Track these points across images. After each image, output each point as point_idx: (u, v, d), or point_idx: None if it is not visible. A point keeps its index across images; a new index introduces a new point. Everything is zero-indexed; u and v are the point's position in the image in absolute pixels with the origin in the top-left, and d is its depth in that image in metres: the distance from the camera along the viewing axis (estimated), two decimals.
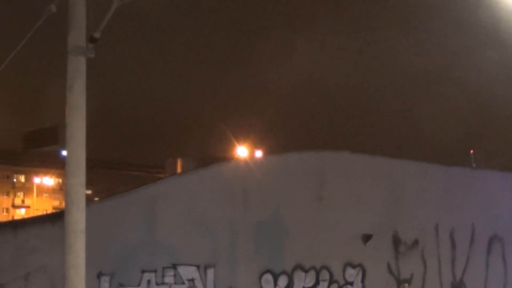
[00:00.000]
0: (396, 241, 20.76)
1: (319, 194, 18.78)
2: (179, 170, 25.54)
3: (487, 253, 24.01)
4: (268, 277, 17.16)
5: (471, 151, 33.84)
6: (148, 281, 14.85)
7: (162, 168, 29.49)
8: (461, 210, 23.21)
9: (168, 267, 15.21)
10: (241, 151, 45.70)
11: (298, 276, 17.84)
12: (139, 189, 15.35)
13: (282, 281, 17.45)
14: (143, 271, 14.80)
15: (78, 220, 8.19)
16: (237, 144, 45.86)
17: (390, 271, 20.41)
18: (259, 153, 40.07)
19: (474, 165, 27.38)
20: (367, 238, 19.61)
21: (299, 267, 17.89)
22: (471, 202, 23.68)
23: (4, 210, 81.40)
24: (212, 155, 17.89)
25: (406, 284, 16.50)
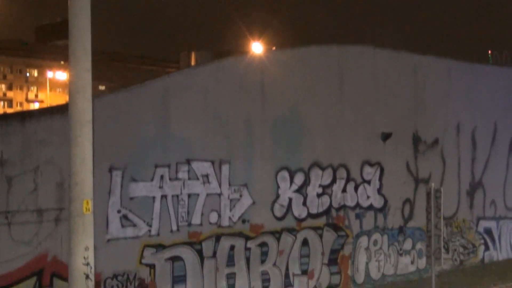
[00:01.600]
0: (416, 140, 20.25)
1: (339, 90, 18.10)
2: (193, 63, 24.81)
3: (508, 153, 23.56)
4: (284, 174, 16.77)
5: (489, 51, 32.72)
6: (161, 176, 14.48)
7: (176, 62, 28.74)
8: (484, 109, 22.58)
9: (182, 162, 14.79)
10: (256, 47, 44.54)
11: (315, 173, 17.44)
12: (152, 81, 14.70)
13: (299, 178, 17.08)
14: (156, 166, 14.39)
15: (84, 109, 7.60)
16: (252, 40, 44.66)
17: (409, 170, 20.02)
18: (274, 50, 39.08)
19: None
20: (386, 136, 19.09)
21: (316, 164, 17.47)
22: (494, 101, 23.01)
23: (18, 104, 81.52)
24: (227, 49, 17.07)
25: (433, 184, 16.08)
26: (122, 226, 13.80)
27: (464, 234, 21.84)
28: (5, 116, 13.64)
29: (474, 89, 22.25)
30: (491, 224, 22.91)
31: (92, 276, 7.95)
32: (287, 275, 16.73)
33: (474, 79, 22.36)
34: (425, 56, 20.80)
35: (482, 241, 22.54)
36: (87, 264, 7.73)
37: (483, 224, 22.61)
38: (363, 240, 18.63)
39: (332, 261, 17.81)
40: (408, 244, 19.90)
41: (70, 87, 7.67)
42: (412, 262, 20.06)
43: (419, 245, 20.16)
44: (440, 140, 20.99)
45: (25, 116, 13.37)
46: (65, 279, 12.34)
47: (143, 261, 14.13)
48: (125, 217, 13.84)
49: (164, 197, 14.53)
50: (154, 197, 14.39)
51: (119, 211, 13.74)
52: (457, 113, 21.56)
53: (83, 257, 7.67)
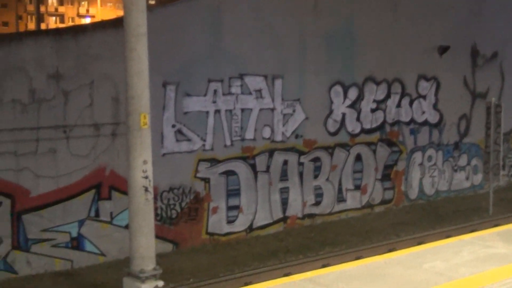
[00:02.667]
0: (474, 53, 19.63)
1: (394, 1, 17.51)
2: None
3: None
4: (338, 88, 16.53)
5: None
6: (215, 91, 14.43)
7: None
8: None
9: (235, 77, 14.68)
10: None
11: (369, 88, 17.15)
12: None
13: (352, 93, 16.82)
14: (210, 81, 14.33)
15: (139, 22, 7.48)
16: None
17: (466, 84, 19.52)
18: None
19: None
20: (443, 49, 18.53)
21: (370, 79, 17.15)
22: None
23: (70, 19, 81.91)
24: None
25: (494, 99, 15.64)
26: (177, 140, 13.92)
27: None
28: (59, 30, 13.64)
29: None
30: None
31: (151, 189, 8.04)
32: (340, 190, 16.78)
33: None
34: None
35: None
36: (146, 177, 7.81)
37: None
38: (417, 156, 18.45)
39: (386, 177, 17.74)
40: (463, 160, 19.65)
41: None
42: (467, 178, 19.85)
43: (474, 161, 19.90)
44: (500, 54, 20.31)
45: (78, 30, 13.33)
46: (122, 192, 12.68)
47: (198, 175, 14.32)
48: (179, 131, 13.94)
49: (217, 111, 14.53)
50: (207, 112, 14.40)
51: (173, 126, 13.83)
52: None
53: (142, 170, 7.74)
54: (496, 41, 20.14)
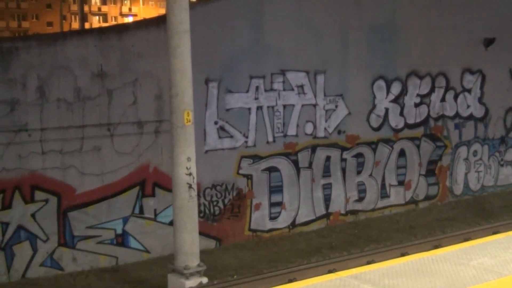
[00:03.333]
0: None
1: None
2: None
3: None
4: (381, 83, 16.36)
5: None
6: (257, 87, 14.42)
7: None
8: None
9: (276, 73, 14.64)
10: None
11: (413, 82, 16.93)
12: None
13: (396, 87, 16.63)
14: (251, 77, 14.32)
15: (182, 19, 7.51)
16: None
17: None
18: None
19: None
20: (489, 42, 18.16)
21: (413, 73, 16.93)
22: None
23: (112, 18, 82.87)
24: None
25: None
26: (219, 137, 13.96)
27: None
28: (102, 29, 13.76)
29: None
30: None
31: (194, 186, 8.07)
32: (383, 186, 16.62)
33: None
34: None
35: None
36: (190, 174, 7.84)
37: None
38: (463, 151, 18.15)
39: (430, 172, 17.50)
40: (509, 155, 19.26)
41: None
42: None
43: None
44: None
45: (121, 29, 13.45)
46: (166, 188, 12.77)
47: (241, 171, 14.33)
48: (222, 128, 13.97)
49: (259, 108, 14.52)
50: (249, 108, 14.40)
51: (216, 123, 13.86)
52: None
53: (186, 167, 7.78)
54: None
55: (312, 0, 15.16)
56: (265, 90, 14.54)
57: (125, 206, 13.00)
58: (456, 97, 17.84)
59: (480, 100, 18.40)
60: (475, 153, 18.41)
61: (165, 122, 12.74)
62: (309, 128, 15.24)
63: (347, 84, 15.79)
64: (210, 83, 13.71)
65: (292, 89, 14.91)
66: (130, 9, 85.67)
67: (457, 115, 17.93)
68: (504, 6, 18.59)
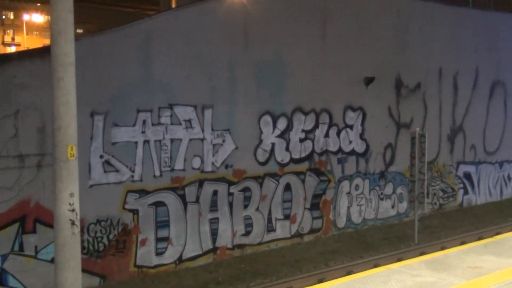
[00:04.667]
0: (399, 84, 20.19)
1: (322, 33, 17.87)
2: (173, 5, 24.27)
3: (488, 98, 23.64)
4: (268, 118, 16.67)
5: None
6: (144, 121, 14.31)
7: (156, 4, 28.03)
8: (466, 53, 22.54)
9: (164, 107, 14.61)
10: None
11: (298, 118, 17.36)
12: (133, 23, 14.37)
13: (281, 123, 16.99)
14: (139, 111, 14.21)
15: (67, 51, 7.34)
16: None
17: (391, 114, 20.01)
18: None
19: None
20: (369, 80, 18.99)
21: (299, 109, 17.37)
22: (477, 45, 22.95)
23: None
24: None
25: (418, 129, 16.09)
26: (105, 171, 13.69)
27: (444, 178, 22.04)
28: None
29: (456, 33, 22.14)
30: (471, 169, 23.13)
31: (77, 222, 7.83)
32: (269, 220, 16.82)
33: (456, 22, 22.22)
34: None
35: (461, 185, 22.79)
36: (73, 210, 7.60)
37: (463, 168, 22.82)
38: (345, 185, 18.72)
39: (314, 206, 17.91)
40: (389, 189, 20.05)
41: (52, 29, 7.40)
42: (392, 207, 20.25)
43: (399, 190, 20.35)
44: (422, 85, 20.96)
45: (3, 59, 13.01)
46: (48, 224, 12.34)
47: (126, 206, 14.08)
48: (107, 162, 13.71)
49: (146, 142, 14.39)
50: (136, 142, 14.25)
51: (101, 156, 13.60)
52: (439, 57, 21.49)
53: (69, 203, 7.53)
54: (419, 72, 20.80)
55: (202, 35, 15.29)
56: (153, 124, 14.45)
57: (4, 243, 12.42)
58: (339, 133, 18.44)
59: (361, 136, 19.11)
60: (357, 187, 19.03)
61: (48, 155, 12.36)
62: (196, 163, 15.25)
63: (235, 119, 15.97)
64: (96, 116, 13.47)
65: (180, 123, 14.91)
66: (13, 39, 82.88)
67: (340, 150, 18.51)
68: (383, 47, 19.51)
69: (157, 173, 14.60)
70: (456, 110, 22.38)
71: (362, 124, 19.15)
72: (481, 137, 23.46)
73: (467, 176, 23.05)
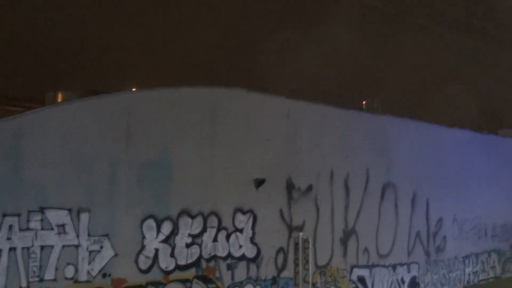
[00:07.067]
0: (290, 187, 19.75)
1: (211, 133, 17.31)
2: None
3: (380, 200, 23.61)
4: (151, 223, 15.64)
5: (364, 103, 33.37)
6: (10, 226, 12.99)
7: (42, 103, 26.88)
8: (357, 156, 22.57)
9: (34, 211, 13.36)
10: (127, 86, 43.21)
11: (184, 222, 16.43)
12: (1, 120, 13.27)
13: (166, 227, 16.00)
14: (4, 215, 12.91)
15: None
16: (126, 79, 43.35)
17: (282, 218, 19.43)
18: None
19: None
20: (259, 182, 18.46)
21: (185, 212, 16.48)
22: (367, 147, 23.09)
23: None
24: (99, 89, 16.07)
25: (302, 233, 15.50)
26: None
27: (338, 283, 21.43)
28: None
29: (347, 135, 22.22)
30: (365, 272, 22.69)
31: None
32: None
33: (347, 125, 22.35)
34: (298, 101, 20.48)
35: None
36: None
37: (357, 272, 22.34)
38: None
39: None
40: None
41: None
42: None
43: None
44: (314, 187, 20.62)
45: None
46: None
47: None
48: None
49: (12, 249, 13.03)
50: (1, 250, 12.87)
51: None
52: (330, 160, 21.34)
53: None
54: (310, 175, 20.49)
55: (80, 134, 14.36)
56: (20, 229, 13.15)
57: None
58: (228, 237, 17.60)
59: (252, 240, 18.33)
60: None
61: None
62: (69, 271, 13.92)
63: (115, 223, 14.86)
64: None
65: (52, 229, 13.65)
66: None
67: (229, 255, 17.61)
68: (274, 148, 19.16)
69: (24, 284, 13.16)
70: (348, 213, 22.11)
71: (253, 227, 18.41)
72: (374, 240, 23.22)
73: (361, 280, 22.56)
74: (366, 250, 22.89)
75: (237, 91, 18.35)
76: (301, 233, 16.28)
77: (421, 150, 25.51)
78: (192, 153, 16.77)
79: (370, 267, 23.04)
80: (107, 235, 14.65)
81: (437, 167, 26.15)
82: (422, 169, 25.35)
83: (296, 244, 15.68)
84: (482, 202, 28.57)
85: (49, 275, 13.56)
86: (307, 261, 15.25)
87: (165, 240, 15.97)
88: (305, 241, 15.69)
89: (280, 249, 19.20)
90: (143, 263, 15.43)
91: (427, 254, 25.34)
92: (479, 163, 28.83)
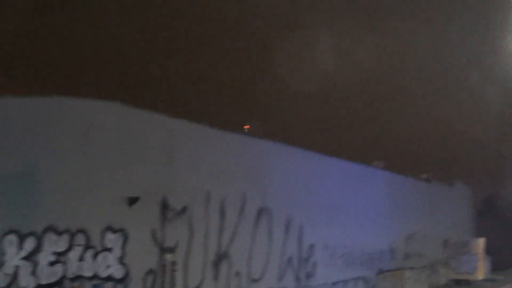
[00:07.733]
0: (164, 207, 19.30)
1: (84, 147, 16.64)
2: None
3: (254, 225, 23.58)
4: (12, 238, 14.75)
5: (246, 126, 33.55)
6: None
7: None
8: (234, 179, 22.46)
9: None
10: None
11: (49, 239, 15.61)
12: None
13: (29, 243, 15.14)
14: None
15: None
16: None
17: (154, 238, 18.91)
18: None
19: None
20: (132, 201, 17.90)
21: (51, 228, 15.66)
22: (243, 171, 23.05)
23: None
24: None
25: (170, 255, 15.08)
26: None
27: None
28: None
29: (225, 158, 22.09)
30: None
31: None
32: None
33: (225, 148, 22.23)
34: (178, 120, 20.14)
35: None
36: None
37: None
38: None
39: None
40: None
41: None
42: None
43: None
44: (189, 208, 20.26)
45: None
46: None
47: None
48: None
49: None
50: None
51: None
52: (207, 181, 21.10)
53: None
54: (186, 195, 20.14)
55: None
56: None
57: None
58: (95, 256, 16.88)
59: (121, 260, 17.68)
60: None
61: None
62: None
63: None
64: None
65: None
66: None
67: (96, 275, 16.88)
68: (150, 167, 18.70)
69: None
70: (222, 236, 21.90)
71: (123, 247, 17.77)
72: (246, 263, 23.11)
73: None
74: (238, 273, 22.70)
75: (112, 104, 17.77)
76: (168, 255, 15.80)
77: (297, 177, 25.80)
78: (63, 167, 16.03)
79: None
80: None
81: (312, 194, 26.53)
82: (297, 196, 25.62)
83: (164, 266, 15.18)
84: (352, 230, 29.25)
85: None
86: (175, 284, 14.76)
87: (28, 257, 15.08)
88: (173, 263, 15.21)
89: (150, 271, 18.66)
90: (2, 281, 14.48)
91: (297, 279, 25.52)
92: (352, 192, 29.60)
